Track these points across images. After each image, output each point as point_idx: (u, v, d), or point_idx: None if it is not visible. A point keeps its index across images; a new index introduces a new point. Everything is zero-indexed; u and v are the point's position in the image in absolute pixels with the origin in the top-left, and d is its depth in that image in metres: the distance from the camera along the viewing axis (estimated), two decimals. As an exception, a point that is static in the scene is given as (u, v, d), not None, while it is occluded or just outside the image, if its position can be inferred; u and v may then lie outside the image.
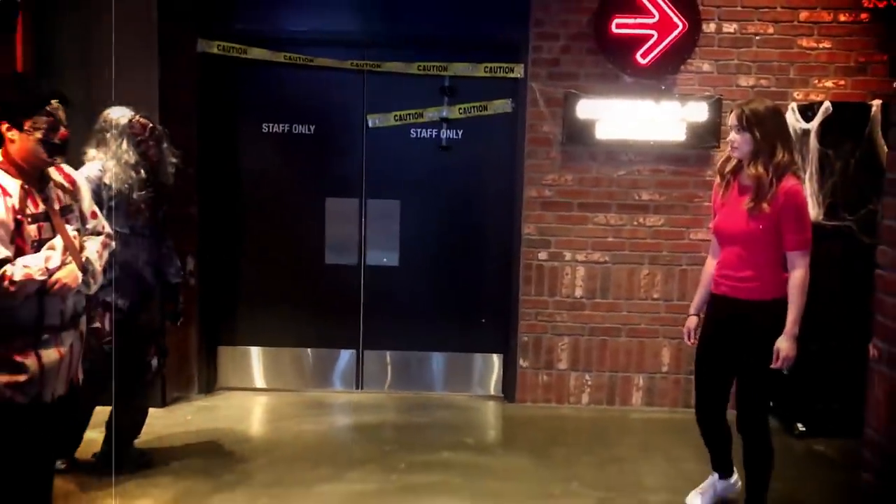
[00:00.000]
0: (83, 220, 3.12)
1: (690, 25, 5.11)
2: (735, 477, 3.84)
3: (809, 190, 4.86)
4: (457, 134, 5.47)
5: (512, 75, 5.34)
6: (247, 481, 4.05)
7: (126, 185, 3.85)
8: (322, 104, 5.47)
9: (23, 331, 2.81)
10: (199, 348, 5.40)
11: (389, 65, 5.35)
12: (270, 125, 5.46)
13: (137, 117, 4.01)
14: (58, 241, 2.87)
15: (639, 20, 5.09)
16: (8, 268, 2.71)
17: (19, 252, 2.78)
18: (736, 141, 3.47)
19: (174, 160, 4.12)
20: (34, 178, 2.91)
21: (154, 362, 4.11)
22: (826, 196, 4.76)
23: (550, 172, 5.31)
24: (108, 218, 3.42)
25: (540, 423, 5.10)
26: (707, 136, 5.20)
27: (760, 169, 3.39)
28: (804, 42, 5.20)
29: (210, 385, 5.49)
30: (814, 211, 4.85)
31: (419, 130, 5.47)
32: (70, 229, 2.94)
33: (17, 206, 2.80)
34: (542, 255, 5.35)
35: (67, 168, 3.13)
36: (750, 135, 3.41)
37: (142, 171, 3.92)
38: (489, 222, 5.55)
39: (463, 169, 5.50)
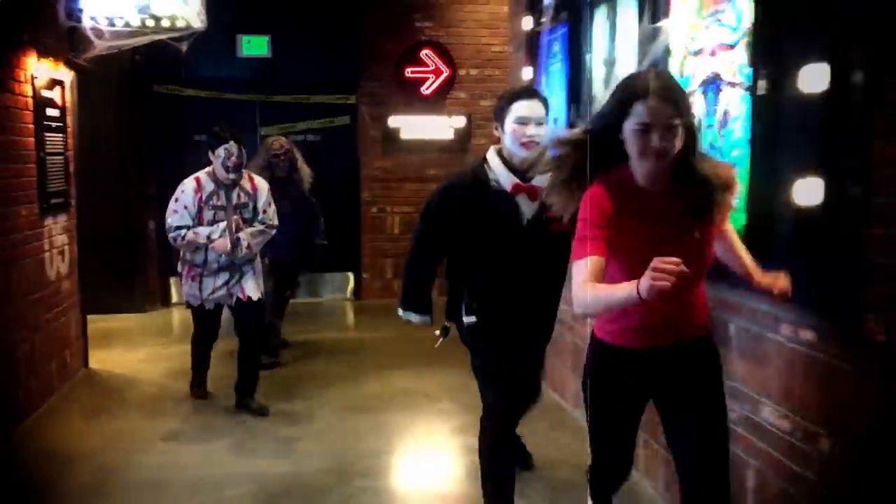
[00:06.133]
0: (256, 213, 4.71)
1: (452, 71, 8.73)
2: None
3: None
4: (318, 138, 8.84)
5: (350, 102, 8.75)
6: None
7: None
8: (231, 121, 7.90)
9: (197, 267, 4.76)
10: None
11: (275, 97, 8.67)
12: (199, 136, 8.52)
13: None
14: (223, 224, 4.62)
15: (421, 69, 8.66)
16: (184, 231, 4.61)
17: (198, 223, 4.63)
18: (667, 138, 2.21)
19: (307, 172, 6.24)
20: (223, 184, 4.65)
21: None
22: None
23: (377, 160, 8.76)
24: None
25: (377, 308, 8.53)
26: (464, 136, 8.84)
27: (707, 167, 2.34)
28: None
29: (167, 303, 8.61)
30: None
31: (295, 136, 8.76)
32: (236, 218, 4.59)
33: (203, 197, 4.57)
34: (374, 209, 8.81)
35: (257, 179, 4.82)
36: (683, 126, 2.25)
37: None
38: (342, 192, 8.88)
39: (323, 159, 8.77)
